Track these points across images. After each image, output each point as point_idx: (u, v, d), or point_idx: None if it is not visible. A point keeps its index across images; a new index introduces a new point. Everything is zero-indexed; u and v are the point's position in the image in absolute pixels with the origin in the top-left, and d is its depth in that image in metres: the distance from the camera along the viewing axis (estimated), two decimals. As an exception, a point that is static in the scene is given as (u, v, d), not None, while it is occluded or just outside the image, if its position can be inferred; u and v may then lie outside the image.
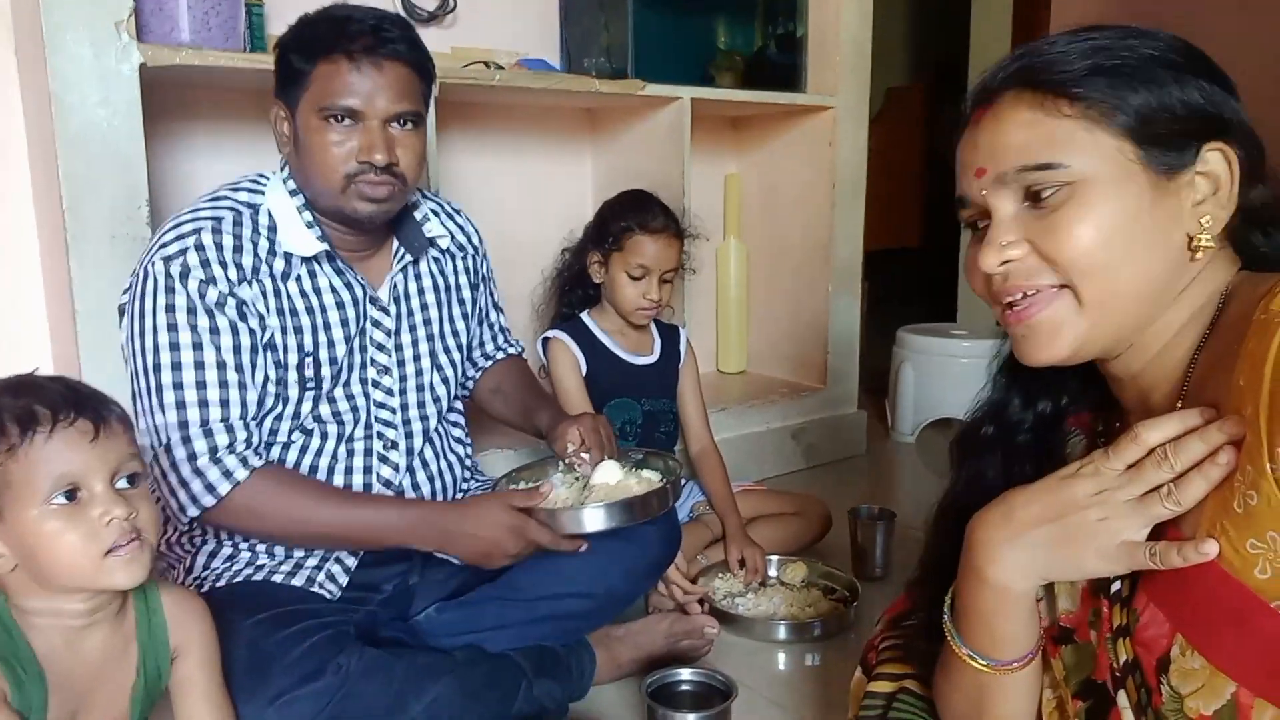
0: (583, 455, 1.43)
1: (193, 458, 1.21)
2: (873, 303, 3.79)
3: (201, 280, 1.24)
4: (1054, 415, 0.88)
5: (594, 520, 1.31)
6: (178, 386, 1.22)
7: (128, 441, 0.93)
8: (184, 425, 1.22)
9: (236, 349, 1.25)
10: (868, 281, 2.88)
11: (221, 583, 1.30)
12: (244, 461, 1.24)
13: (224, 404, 1.24)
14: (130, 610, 0.99)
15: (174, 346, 1.23)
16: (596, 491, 1.37)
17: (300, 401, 1.34)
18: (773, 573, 1.86)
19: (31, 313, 1.83)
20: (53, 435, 0.87)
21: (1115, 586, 0.76)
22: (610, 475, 1.39)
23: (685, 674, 1.37)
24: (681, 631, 1.52)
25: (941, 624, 0.84)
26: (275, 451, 1.34)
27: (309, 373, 1.33)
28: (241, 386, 1.26)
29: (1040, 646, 0.80)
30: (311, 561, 1.34)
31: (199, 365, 1.23)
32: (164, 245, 1.25)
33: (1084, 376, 0.84)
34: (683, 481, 2.01)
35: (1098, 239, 0.71)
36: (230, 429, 1.24)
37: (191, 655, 1.04)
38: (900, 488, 2.63)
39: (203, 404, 1.23)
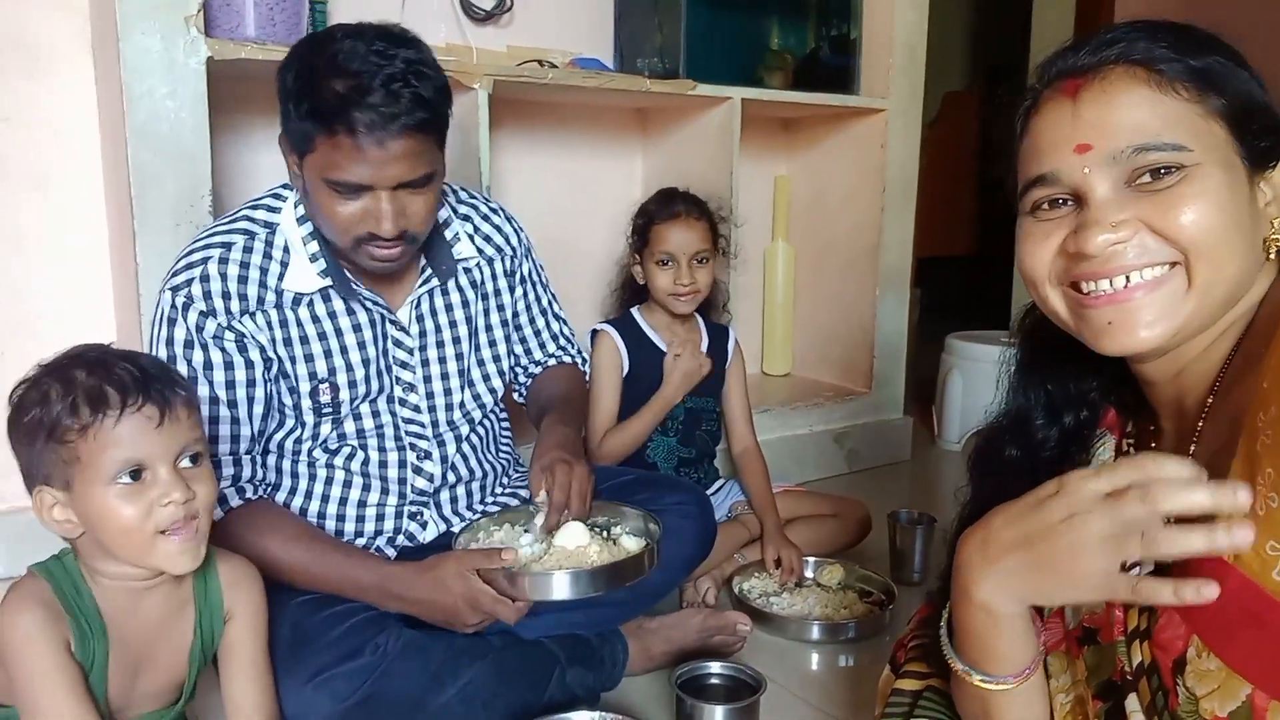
0: (539, 506, 1.32)
1: None
2: (924, 310, 3.76)
3: (201, 313, 1.26)
4: (1076, 427, 0.86)
5: (559, 588, 1.21)
6: None
7: (192, 424, 0.97)
8: None
9: (230, 384, 1.27)
10: (919, 288, 2.86)
11: (267, 564, 1.34)
12: (222, 500, 1.24)
13: (213, 440, 1.26)
14: (189, 574, 1.03)
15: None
16: (553, 555, 1.28)
17: (319, 424, 1.35)
18: (809, 574, 1.86)
19: (100, 296, 1.90)
20: (121, 419, 0.91)
21: None
22: (571, 539, 1.29)
23: (715, 667, 1.37)
24: (714, 626, 1.53)
25: (939, 640, 0.83)
26: (303, 468, 1.37)
27: (324, 399, 1.33)
28: (234, 421, 1.28)
29: (1040, 661, 0.79)
30: (356, 546, 1.38)
31: (208, 402, 1.26)
32: (175, 274, 1.28)
33: (1111, 379, 0.84)
34: (721, 480, 2.02)
35: (1217, 219, 0.71)
36: (217, 465, 1.24)
37: (242, 619, 1.08)
38: (943, 496, 2.59)
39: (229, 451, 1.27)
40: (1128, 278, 0.73)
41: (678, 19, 2.22)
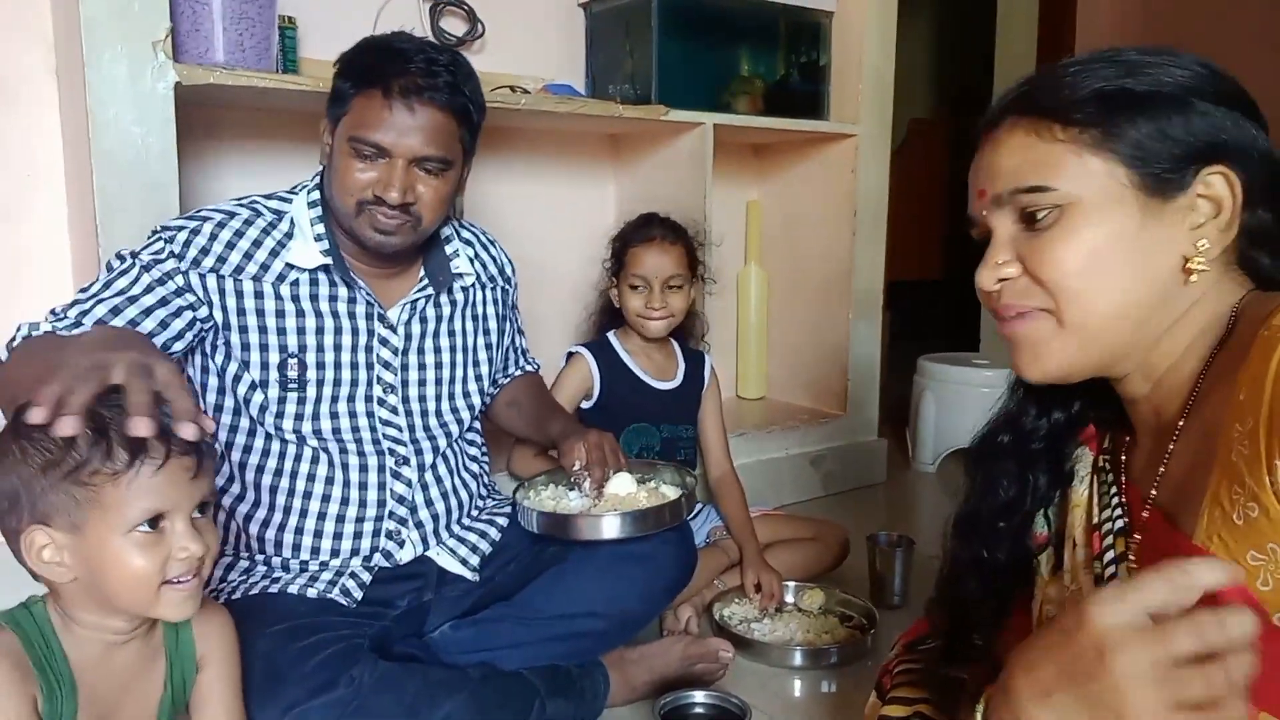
0: (584, 474, 1.46)
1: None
2: (894, 333, 3.78)
3: (171, 253, 1.29)
4: (1067, 423, 0.88)
5: (610, 528, 1.39)
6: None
7: (210, 473, 0.95)
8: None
9: (131, 298, 1.24)
10: (889, 312, 2.88)
11: (238, 595, 1.31)
12: (34, 327, 1.20)
13: (93, 301, 1.23)
14: (160, 623, 1.00)
15: (107, 268, 1.30)
16: (607, 501, 1.45)
17: (284, 401, 1.34)
18: (789, 599, 1.85)
19: (61, 326, 1.86)
20: (162, 468, 0.87)
21: None
22: (622, 487, 1.46)
23: (699, 696, 1.36)
24: (696, 654, 1.51)
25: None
26: (287, 463, 1.37)
27: (291, 373, 1.35)
28: (115, 311, 1.23)
29: None
30: (326, 575, 1.35)
31: (107, 284, 1.26)
32: (175, 218, 1.36)
33: (1096, 391, 0.85)
34: (699, 505, 2.01)
35: (1080, 260, 0.74)
36: (75, 320, 1.21)
37: (214, 667, 1.05)
38: (920, 517, 2.60)
39: (75, 300, 1.24)
40: (1019, 312, 0.78)
41: (649, 45, 2.23)
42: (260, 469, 1.36)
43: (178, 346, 1.29)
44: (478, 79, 1.36)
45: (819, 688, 1.59)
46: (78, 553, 0.88)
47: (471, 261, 1.54)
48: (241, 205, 1.38)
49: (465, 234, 1.57)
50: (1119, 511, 0.80)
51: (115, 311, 1.24)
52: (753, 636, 1.69)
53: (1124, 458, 0.84)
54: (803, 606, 1.83)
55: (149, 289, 1.27)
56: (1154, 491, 0.78)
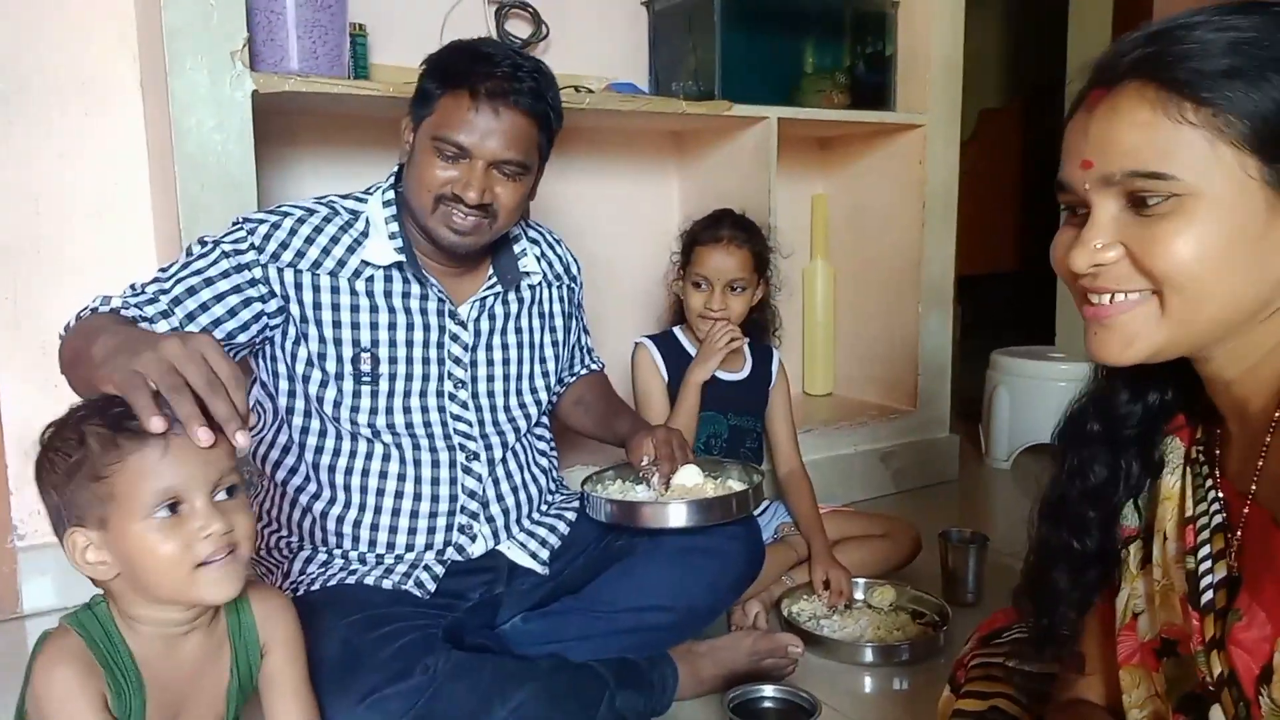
0: (653, 468, 1.48)
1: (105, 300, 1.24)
2: (966, 327, 3.71)
3: (251, 245, 1.33)
4: (1160, 408, 0.84)
5: (676, 516, 1.40)
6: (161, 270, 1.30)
7: (228, 454, 0.94)
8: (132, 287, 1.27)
9: (220, 296, 1.28)
10: (961, 305, 2.82)
11: (316, 586, 1.35)
12: (105, 301, 1.23)
13: (172, 280, 1.27)
14: (221, 612, 1.01)
15: (185, 255, 1.33)
16: (674, 493, 1.45)
17: (357, 396, 1.37)
18: (860, 596, 1.82)
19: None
20: (167, 448, 0.88)
21: (1207, 597, 0.73)
22: (689, 478, 1.46)
23: (769, 690, 1.35)
24: (765, 649, 1.50)
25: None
26: (358, 461, 1.39)
27: (365, 367, 1.37)
28: (190, 291, 1.26)
29: None
30: (401, 568, 1.38)
31: (185, 265, 1.30)
32: (256, 211, 1.40)
33: (1184, 378, 0.81)
34: (767, 501, 2.00)
35: (1197, 256, 0.68)
36: (152, 297, 1.24)
37: (279, 651, 1.05)
38: (994, 514, 2.55)
39: (154, 278, 1.28)
40: (1112, 296, 0.73)
41: (712, 41, 2.23)
42: (333, 467, 1.40)
43: (242, 338, 1.32)
44: (558, 88, 1.39)
45: (890, 684, 1.57)
46: (112, 547, 0.90)
47: (538, 260, 1.56)
48: (320, 203, 1.41)
49: (532, 233, 1.60)
50: (1216, 506, 0.77)
51: (191, 291, 1.27)
52: (822, 633, 1.68)
53: (1217, 451, 0.80)
54: (873, 603, 1.80)
55: (225, 274, 1.30)
56: (1253, 487, 0.74)
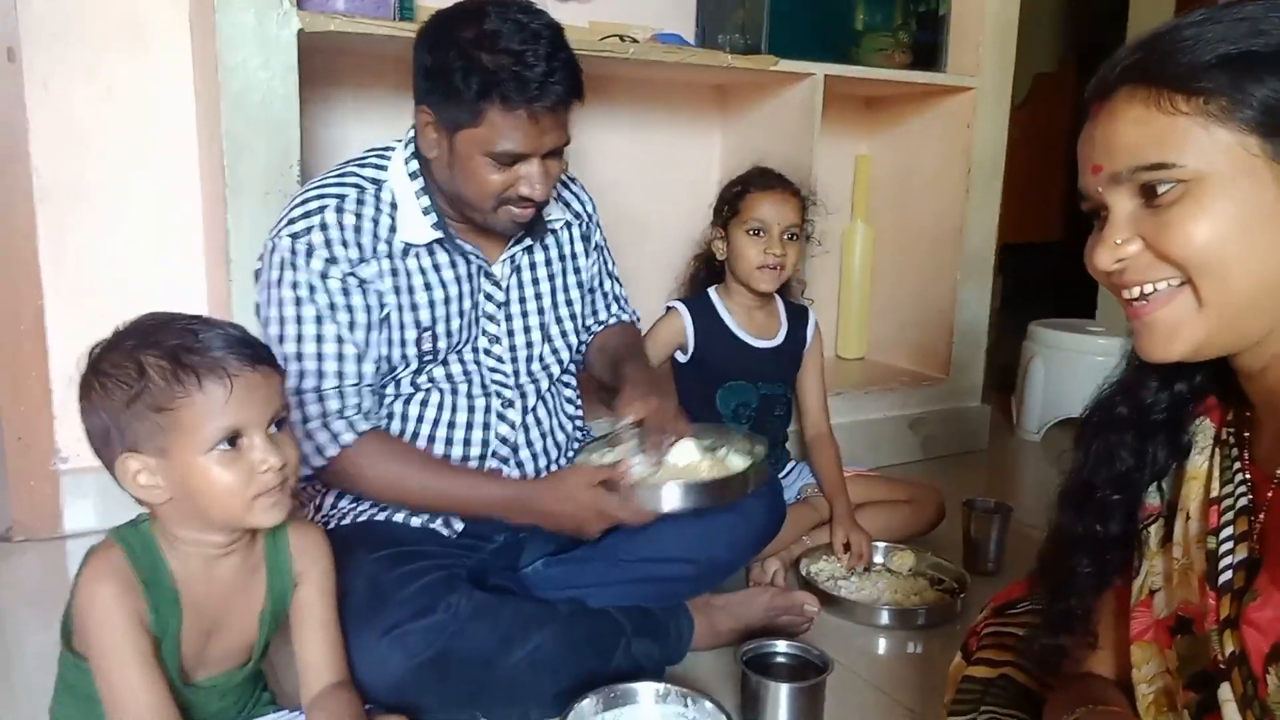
0: (630, 430, 1.39)
1: (306, 420, 1.28)
2: (1008, 296, 3.65)
3: (326, 259, 1.30)
4: (1190, 394, 0.84)
5: (670, 500, 1.31)
6: (299, 357, 1.30)
7: (280, 391, 0.99)
8: (300, 391, 1.29)
9: (353, 325, 1.32)
10: (1003, 275, 2.78)
11: (347, 520, 1.38)
12: (351, 426, 1.30)
13: (339, 374, 1.31)
14: (260, 539, 1.06)
15: (298, 320, 1.30)
16: (666, 470, 1.35)
17: (419, 371, 1.40)
18: (879, 559, 1.83)
19: (193, 261, 1.97)
20: (232, 387, 0.92)
21: (1225, 577, 0.73)
22: (683, 456, 1.37)
23: (781, 646, 1.37)
24: (781, 606, 1.52)
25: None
26: (397, 406, 1.41)
27: (426, 346, 1.38)
28: (358, 359, 1.32)
29: None
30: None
31: (319, 338, 1.30)
32: (292, 222, 1.31)
33: (1216, 362, 0.81)
34: (792, 463, 2.01)
35: (1211, 236, 0.69)
36: (342, 395, 1.31)
37: (311, 582, 1.10)
38: (1022, 486, 2.54)
39: (320, 374, 1.30)
40: (1143, 291, 0.74)
41: (761, -7, 2.19)
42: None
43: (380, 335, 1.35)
44: (568, 42, 1.31)
45: (905, 648, 1.59)
46: (169, 475, 0.94)
47: (556, 202, 1.54)
48: (343, 183, 1.36)
49: None
50: (1243, 488, 0.77)
51: (358, 361, 1.32)
52: (839, 594, 1.69)
53: (1246, 434, 0.80)
54: (892, 567, 1.81)
55: (351, 320, 1.31)
56: (1277, 477, 0.74)
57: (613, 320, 1.70)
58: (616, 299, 1.71)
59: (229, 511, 0.96)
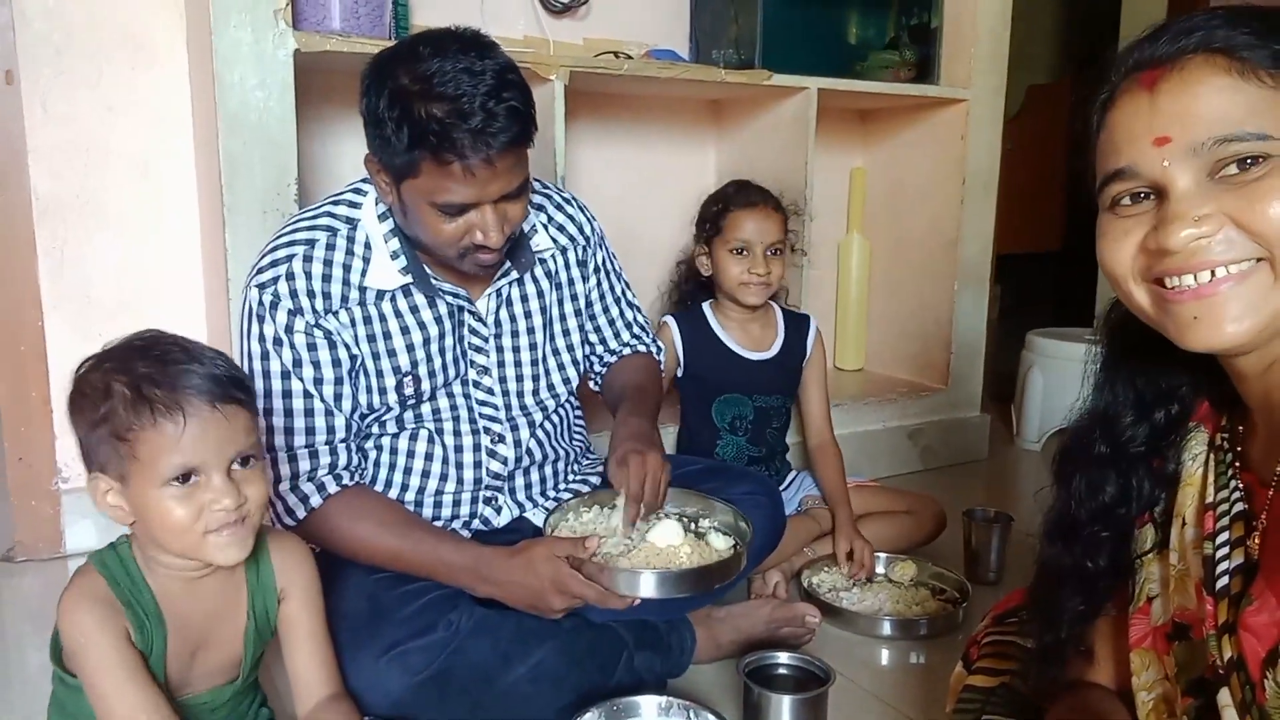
0: (612, 496, 1.33)
1: (277, 481, 1.27)
2: (1005, 307, 3.66)
3: (289, 311, 1.27)
4: (1167, 424, 0.83)
5: (645, 587, 1.19)
6: (269, 412, 1.28)
7: (249, 429, 0.97)
8: (273, 449, 1.27)
9: (319, 380, 1.29)
10: (1000, 285, 2.79)
11: (348, 537, 1.37)
12: (321, 488, 1.28)
13: (308, 430, 1.29)
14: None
15: (265, 374, 1.28)
16: (644, 550, 1.26)
17: (403, 412, 1.38)
18: (881, 570, 1.83)
19: (191, 278, 1.98)
20: (186, 426, 0.91)
21: (1222, 582, 0.73)
22: (663, 538, 1.27)
23: (783, 658, 1.36)
24: (783, 618, 1.52)
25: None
26: (385, 441, 1.39)
27: (408, 390, 1.36)
28: (327, 414, 1.30)
29: None
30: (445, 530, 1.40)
31: (286, 394, 1.28)
32: (260, 271, 1.29)
33: (1204, 373, 0.81)
34: (794, 473, 2.01)
35: None
36: (314, 454, 1.29)
37: (297, 597, 1.09)
38: (1021, 495, 2.53)
39: (288, 430, 1.28)
40: (1213, 272, 0.70)
41: (754, 9, 2.20)
42: (362, 449, 1.40)
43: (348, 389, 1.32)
44: (509, 58, 1.22)
45: (907, 658, 1.58)
46: (130, 500, 0.94)
47: (546, 229, 1.49)
48: (315, 225, 1.33)
49: (536, 199, 1.47)
50: (1238, 494, 0.77)
51: (329, 416, 1.30)
52: (841, 605, 1.69)
53: (1240, 439, 0.80)
54: (894, 578, 1.81)
55: (317, 376, 1.29)
56: (1276, 479, 0.74)
57: (626, 350, 1.65)
58: (630, 325, 1.65)
59: (183, 544, 0.95)
